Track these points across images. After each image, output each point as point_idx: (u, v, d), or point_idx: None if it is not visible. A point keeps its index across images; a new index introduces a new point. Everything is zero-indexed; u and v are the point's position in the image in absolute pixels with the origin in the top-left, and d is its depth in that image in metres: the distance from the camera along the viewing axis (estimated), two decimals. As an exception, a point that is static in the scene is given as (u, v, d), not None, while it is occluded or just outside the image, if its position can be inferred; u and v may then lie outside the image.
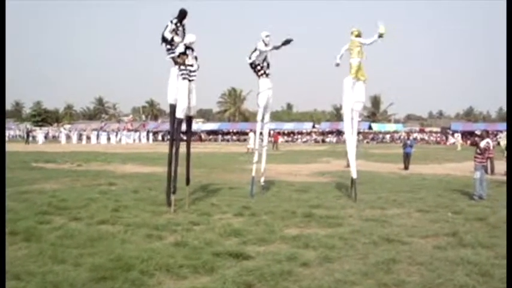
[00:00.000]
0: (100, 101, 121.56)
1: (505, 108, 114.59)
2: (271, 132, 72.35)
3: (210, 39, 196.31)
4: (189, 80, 11.35)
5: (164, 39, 11.42)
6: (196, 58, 11.60)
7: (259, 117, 13.99)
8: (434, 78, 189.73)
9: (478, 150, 13.85)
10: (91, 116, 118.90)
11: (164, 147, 51.40)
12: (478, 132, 17.27)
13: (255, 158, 14.04)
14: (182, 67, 11.27)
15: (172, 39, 11.38)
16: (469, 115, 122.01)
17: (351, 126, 13.30)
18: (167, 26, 11.41)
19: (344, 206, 11.75)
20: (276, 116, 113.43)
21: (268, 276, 6.00)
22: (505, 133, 29.40)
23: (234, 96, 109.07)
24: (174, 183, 11.54)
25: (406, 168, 23.73)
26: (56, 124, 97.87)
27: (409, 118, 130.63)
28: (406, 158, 24.29)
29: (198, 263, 6.54)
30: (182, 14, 11.56)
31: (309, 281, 5.96)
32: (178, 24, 11.53)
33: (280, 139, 74.56)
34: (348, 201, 12.57)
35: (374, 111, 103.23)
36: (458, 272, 6.36)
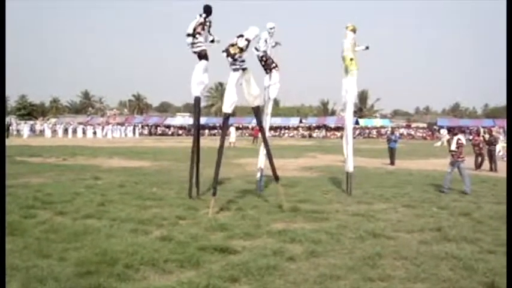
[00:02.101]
0: (86, 95, 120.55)
1: (490, 105, 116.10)
2: (251, 126, 72.37)
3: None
4: (243, 69, 10.95)
5: (192, 34, 11.60)
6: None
7: (268, 111, 13.87)
8: (421, 75, 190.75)
9: (452, 147, 14.16)
10: (77, 109, 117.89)
11: (150, 142, 51.43)
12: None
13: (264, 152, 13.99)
14: (235, 58, 10.89)
15: (199, 33, 11.59)
16: (455, 111, 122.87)
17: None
18: (195, 19, 11.61)
19: (331, 201, 11.79)
20: (262, 111, 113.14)
21: (254, 271, 6.01)
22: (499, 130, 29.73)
23: (220, 91, 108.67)
24: (215, 180, 10.87)
25: (392, 163, 23.85)
26: (41, 118, 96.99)
27: (396, 113, 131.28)
28: (391, 153, 24.43)
29: (183, 258, 6.54)
30: (208, 10, 11.77)
31: (294, 276, 5.98)
32: (207, 19, 11.73)
33: (267, 134, 74.50)
34: (335, 196, 12.62)
35: (361, 107, 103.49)
36: (442, 266, 6.43)
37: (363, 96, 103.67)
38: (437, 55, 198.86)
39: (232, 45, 10.83)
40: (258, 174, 13.65)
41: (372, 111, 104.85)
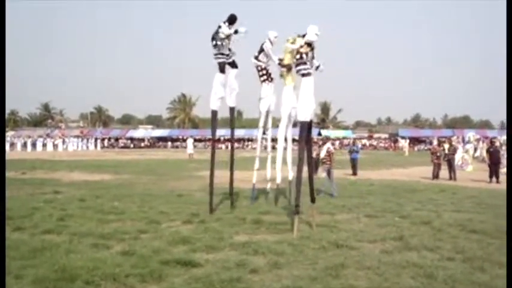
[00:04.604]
0: (46, 107, 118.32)
1: (449, 115, 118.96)
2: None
3: (159, 43, 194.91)
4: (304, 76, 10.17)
5: (216, 43, 11.60)
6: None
7: (260, 124, 13.56)
8: (383, 86, 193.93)
9: (322, 154, 15.33)
10: (37, 122, 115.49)
11: (112, 155, 50.80)
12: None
13: (256, 165, 13.76)
14: (304, 62, 10.17)
15: (221, 44, 11.57)
16: (416, 121, 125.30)
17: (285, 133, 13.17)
18: (220, 27, 11.53)
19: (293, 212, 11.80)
20: (226, 123, 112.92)
21: (217, 284, 5.95)
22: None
23: (183, 103, 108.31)
24: (298, 197, 9.97)
25: (354, 174, 24.13)
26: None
27: (358, 124, 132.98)
28: (353, 164, 24.74)
29: (145, 272, 6.42)
30: (233, 19, 11.68)
31: (257, 287, 5.95)
32: (231, 27, 11.66)
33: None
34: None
35: (324, 118, 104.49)
36: (404, 275, 6.49)
37: (325, 108, 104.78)
38: (398, 66, 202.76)
39: (301, 46, 10.26)
40: (268, 186, 14.07)
41: (335, 123, 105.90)
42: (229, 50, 11.87)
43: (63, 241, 8.31)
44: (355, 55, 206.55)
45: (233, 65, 11.99)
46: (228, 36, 11.62)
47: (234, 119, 12.70)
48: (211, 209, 11.59)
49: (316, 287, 5.97)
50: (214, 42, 11.62)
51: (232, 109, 12.40)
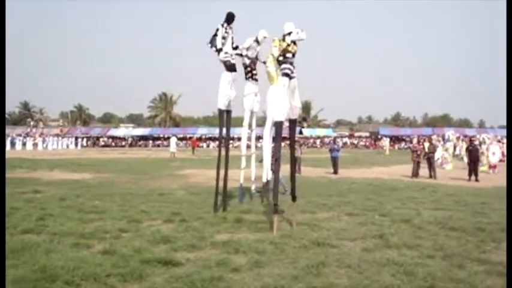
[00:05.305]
0: (25, 106, 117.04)
1: (429, 114, 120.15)
2: (193, 137, 71.69)
3: (140, 42, 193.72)
4: (290, 77, 10.20)
5: (216, 49, 11.37)
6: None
7: (245, 122, 13.16)
8: (364, 85, 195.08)
9: None
10: (16, 121, 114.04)
11: (93, 154, 50.39)
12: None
13: (243, 164, 13.62)
14: (285, 61, 10.15)
15: (221, 49, 11.37)
16: (396, 120, 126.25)
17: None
18: (218, 29, 11.36)
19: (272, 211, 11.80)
20: (207, 122, 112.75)
21: (198, 283, 5.94)
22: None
23: (165, 101, 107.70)
24: (276, 197, 10.17)
25: (335, 172, 24.22)
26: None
27: (339, 123, 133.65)
28: (334, 162, 24.82)
29: (126, 271, 6.38)
30: (230, 17, 11.59)
31: (239, 286, 5.95)
32: (228, 27, 11.53)
33: (212, 144, 74.47)
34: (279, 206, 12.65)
35: (305, 117, 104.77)
36: (384, 272, 6.54)
37: (306, 107, 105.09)
38: (379, 66, 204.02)
39: (288, 45, 10.22)
40: (253, 186, 14.07)
41: (316, 121, 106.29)
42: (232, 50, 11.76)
43: (43, 241, 8.21)
44: (337, 54, 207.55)
45: (230, 68, 11.73)
46: (224, 37, 11.47)
47: (224, 121, 12.35)
48: (215, 208, 11.46)
49: (298, 286, 5.99)
50: (212, 44, 11.43)
51: (224, 112, 12.09)
